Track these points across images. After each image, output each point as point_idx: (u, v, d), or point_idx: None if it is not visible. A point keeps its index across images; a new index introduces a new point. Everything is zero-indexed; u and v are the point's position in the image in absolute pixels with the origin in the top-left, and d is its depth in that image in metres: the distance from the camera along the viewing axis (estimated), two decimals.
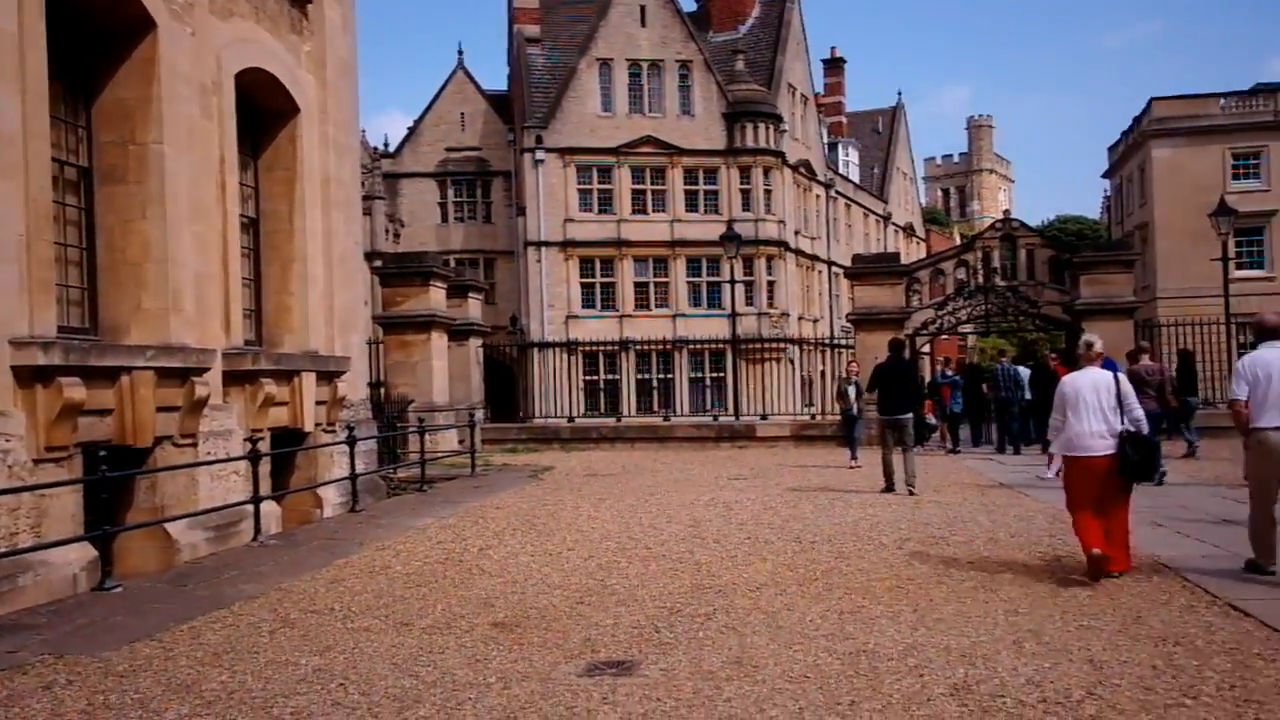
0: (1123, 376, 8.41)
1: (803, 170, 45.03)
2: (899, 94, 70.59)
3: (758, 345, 34.80)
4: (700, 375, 39.26)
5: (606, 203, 40.08)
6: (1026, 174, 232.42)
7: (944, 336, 28.58)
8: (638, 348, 35.83)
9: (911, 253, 57.03)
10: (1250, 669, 5.51)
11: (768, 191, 41.03)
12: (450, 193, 45.35)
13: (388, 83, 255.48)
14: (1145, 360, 15.78)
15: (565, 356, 29.70)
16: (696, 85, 40.77)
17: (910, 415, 14.33)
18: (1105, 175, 54.40)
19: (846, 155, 55.89)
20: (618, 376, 38.17)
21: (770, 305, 40.56)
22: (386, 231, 42.11)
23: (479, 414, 23.02)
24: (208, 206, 11.29)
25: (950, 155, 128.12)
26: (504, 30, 46.53)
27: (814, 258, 46.50)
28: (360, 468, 13.59)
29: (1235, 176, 41.84)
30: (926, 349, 29.05)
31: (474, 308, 25.14)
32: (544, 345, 30.54)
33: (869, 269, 25.52)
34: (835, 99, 57.91)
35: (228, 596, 8.11)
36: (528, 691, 5.47)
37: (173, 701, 5.48)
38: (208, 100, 11.35)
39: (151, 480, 10.31)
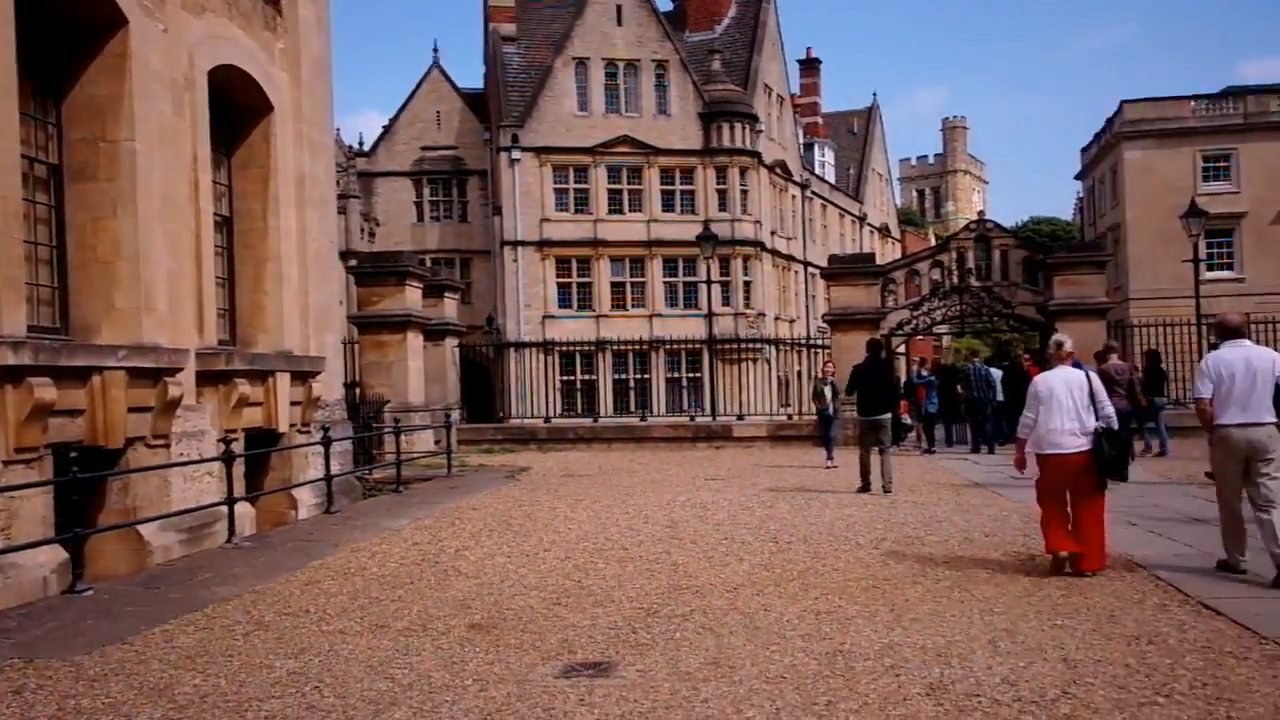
0: (1094, 375, 8.53)
1: (779, 170, 45.14)
2: (874, 95, 70.95)
3: (734, 345, 34.88)
4: (677, 375, 39.29)
5: (583, 202, 40.02)
6: (1001, 175, 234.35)
7: (919, 337, 28.72)
8: (614, 348, 35.81)
9: (887, 253, 57.27)
10: (1222, 667, 5.56)
11: (744, 192, 41.11)
12: (426, 192, 45.15)
13: (363, 81, 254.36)
14: (1115, 359, 15.98)
15: (542, 357, 29.63)
16: (673, 85, 40.78)
17: (889, 415, 14.41)
18: (1078, 177, 54.88)
19: (822, 156, 56.09)
20: (594, 377, 38.13)
21: (747, 305, 40.64)
22: (362, 231, 41.85)
23: (455, 414, 22.96)
24: (180, 205, 11.18)
25: (925, 156, 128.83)
26: (480, 28, 46.43)
27: (790, 258, 46.62)
28: (335, 469, 13.51)
29: (1205, 178, 42.31)
30: (902, 349, 29.17)
31: (450, 308, 25.05)
32: (520, 345, 30.45)
33: (845, 269, 25.63)
34: (811, 100, 58.11)
35: (201, 599, 8.04)
36: (504, 693, 5.45)
37: (145, 705, 5.42)
38: (180, 97, 11.24)
39: (123, 481, 10.19)
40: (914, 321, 25.31)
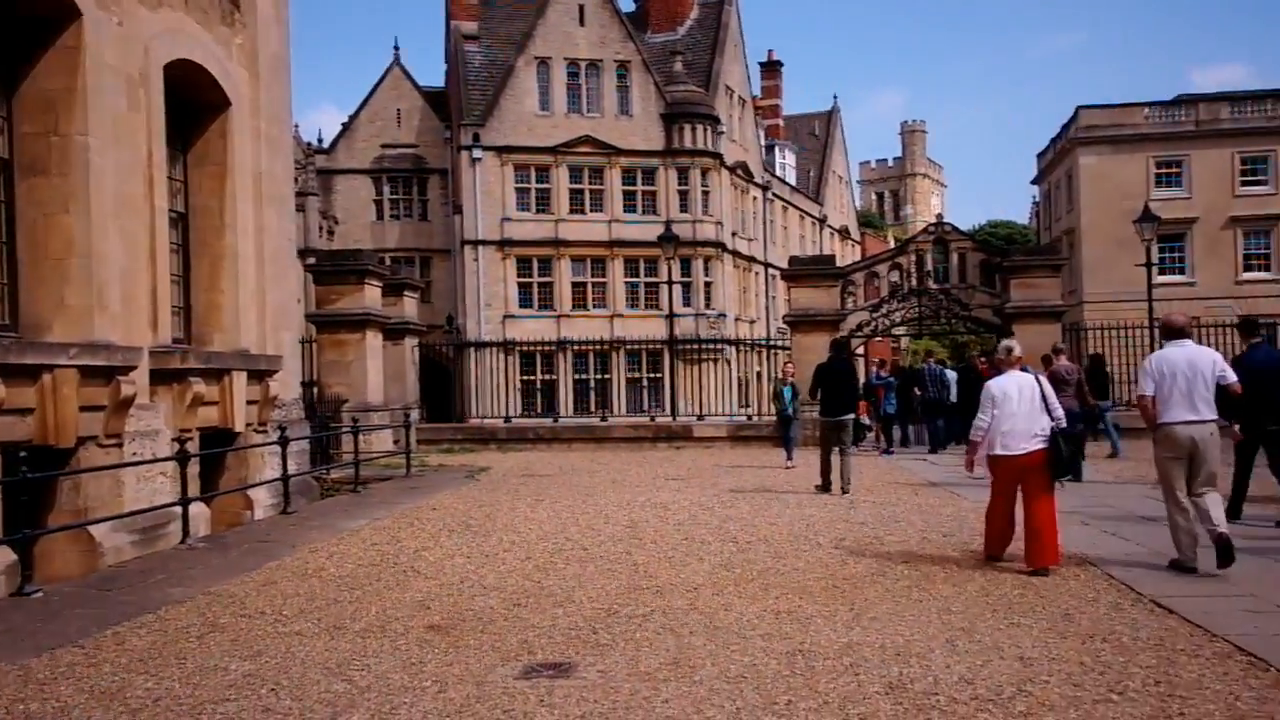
0: (1043, 379, 8.77)
1: (740, 172, 45.30)
2: (835, 98, 71.33)
3: (695, 346, 34.91)
4: (638, 376, 39.30)
5: (544, 202, 39.93)
6: (959, 179, 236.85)
7: (878, 338, 28.93)
8: (575, 348, 35.74)
9: (847, 255, 57.71)
10: (1174, 664, 5.65)
11: (705, 193, 41.20)
12: (386, 190, 44.81)
13: (322, 77, 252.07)
14: (1063, 360, 16.31)
15: (502, 356, 29.53)
16: (635, 86, 40.79)
17: (852, 416, 14.46)
18: (1034, 181, 55.56)
19: (783, 158, 56.35)
20: (555, 377, 38.05)
21: (708, 306, 40.74)
22: (320, 229, 41.47)
23: (414, 414, 22.80)
24: (134, 201, 11.01)
25: (885, 159, 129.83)
26: (441, 26, 46.14)
27: (751, 259, 46.80)
28: (293, 468, 13.37)
29: (1158, 184, 42.99)
30: (861, 351, 29.39)
31: (410, 306, 24.89)
32: (481, 345, 30.30)
33: (805, 271, 25.77)
34: (772, 102, 58.35)
35: (154, 601, 7.92)
36: (464, 695, 5.41)
37: (96, 709, 5.33)
38: (135, 92, 11.06)
39: (74, 481, 10.01)
40: (873, 323, 25.51)
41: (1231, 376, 8.22)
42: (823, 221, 59.14)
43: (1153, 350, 8.82)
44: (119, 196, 10.62)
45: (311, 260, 30.02)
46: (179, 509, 10.61)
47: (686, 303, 39.40)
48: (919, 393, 22.29)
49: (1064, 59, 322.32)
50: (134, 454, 10.63)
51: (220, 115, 13.12)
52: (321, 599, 7.85)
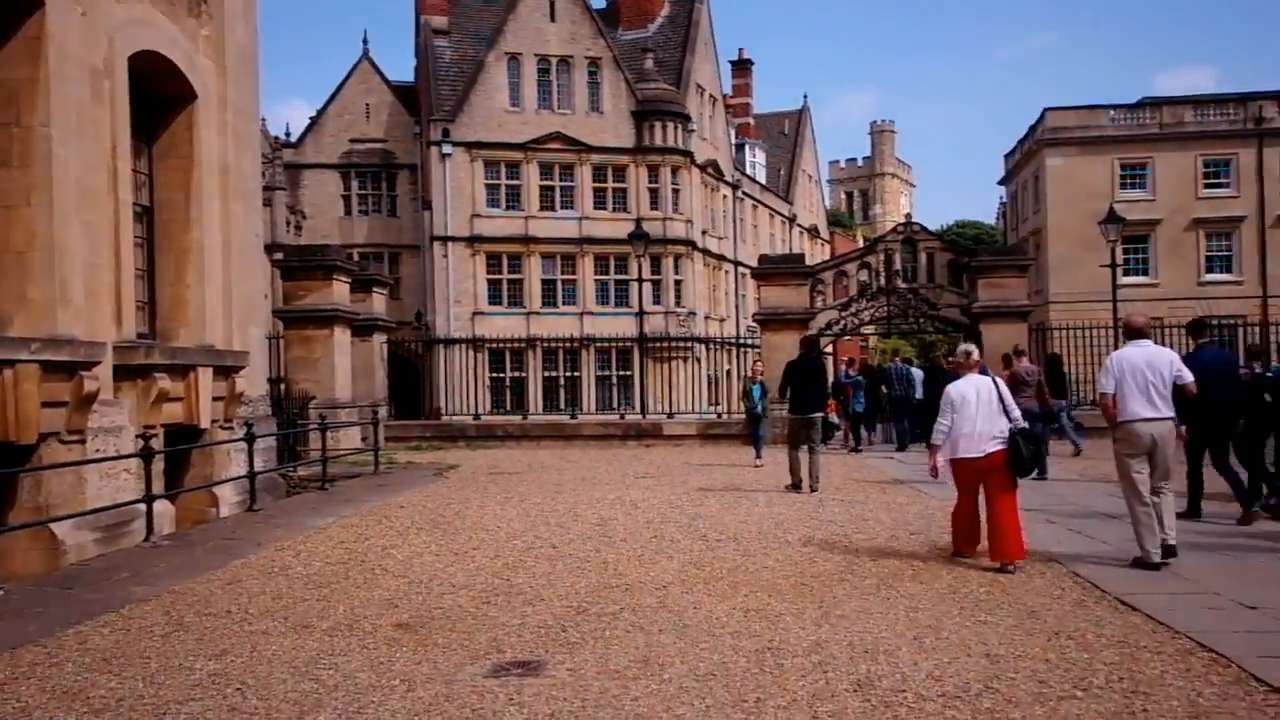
0: (1000, 381, 8.96)
1: (710, 170, 45.37)
2: (805, 97, 71.68)
3: (665, 344, 34.98)
4: (607, 373, 39.28)
5: (514, 199, 39.82)
6: (927, 179, 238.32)
7: (847, 337, 29.09)
8: (545, 345, 35.70)
9: (816, 254, 57.94)
10: (1137, 661, 5.71)
11: (676, 191, 41.24)
12: (354, 185, 44.47)
13: (290, 70, 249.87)
14: (1024, 362, 16.54)
15: (471, 353, 29.40)
16: (606, 83, 40.76)
17: (821, 414, 14.48)
18: (1001, 182, 56.05)
19: (753, 157, 56.48)
20: (524, 374, 37.97)
21: (677, 304, 40.79)
22: (288, 223, 41.13)
23: (383, 411, 22.67)
24: (98, 194, 10.86)
25: (854, 159, 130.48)
26: (411, 20, 45.86)
27: (721, 257, 46.89)
28: (259, 466, 13.26)
29: (1123, 186, 43.50)
30: (830, 349, 29.53)
31: (378, 303, 24.73)
32: (450, 342, 30.15)
33: (775, 270, 25.86)
34: (743, 100, 58.49)
35: (117, 599, 7.82)
36: (432, 694, 5.39)
37: (58, 710, 5.25)
38: (99, 83, 10.91)
39: (35, 478, 9.88)
40: (842, 322, 25.63)
41: (1188, 376, 8.46)
42: (792, 220, 59.37)
43: (1116, 349, 9.00)
44: (82, 189, 10.48)
45: (279, 255, 29.77)
46: (143, 506, 10.49)
47: (656, 300, 39.45)
48: (886, 391, 22.47)
49: (1032, 61, 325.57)
50: (97, 450, 10.50)
51: (186, 108, 12.98)
52: (288, 597, 7.79)
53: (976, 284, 24.41)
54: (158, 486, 10.98)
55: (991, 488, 8.53)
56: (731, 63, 58.21)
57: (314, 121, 45.16)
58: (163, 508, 11.25)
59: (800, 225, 60.87)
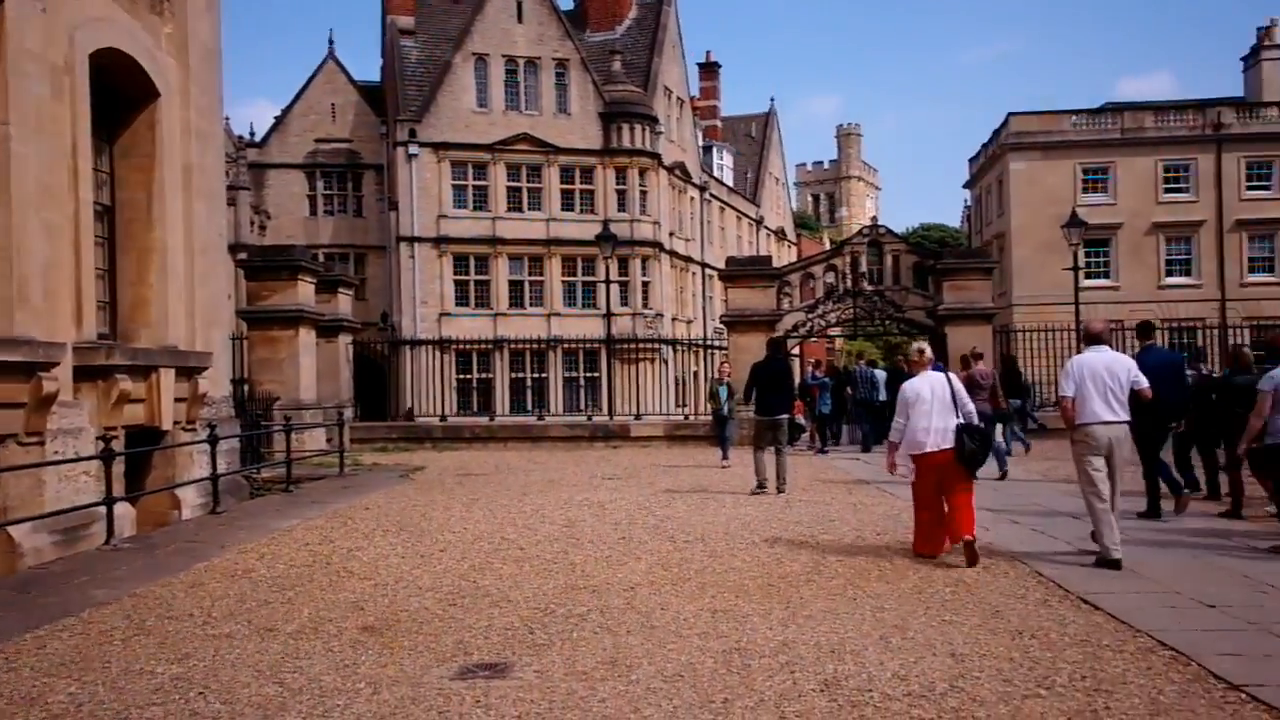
0: (954, 377, 9.28)
1: (678, 172, 45.44)
2: (772, 100, 71.77)
3: (632, 345, 34.98)
4: (575, 375, 39.23)
5: (481, 200, 39.68)
6: (893, 182, 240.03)
7: (814, 339, 29.23)
8: (512, 346, 35.62)
9: (783, 256, 58.19)
10: (1100, 660, 5.78)
11: (643, 192, 41.27)
12: (319, 185, 44.15)
13: (255, 69, 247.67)
14: (980, 365, 16.87)
15: (438, 354, 29.27)
16: (573, 84, 40.72)
17: (786, 416, 14.47)
18: (966, 185, 56.53)
19: (721, 159, 56.63)
20: (491, 375, 37.84)
21: (645, 306, 40.82)
22: (252, 223, 40.76)
23: (348, 412, 22.52)
24: (58, 193, 10.70)
25: (821, 162, 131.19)
26: (377, 20, 45.60)
27: (688, 259, 46.97)
28: (222, 467, 13.12)
29: (1085, 190, 44.00)
30: (797, 351, 29.66)
31: (344, 303, 24.56)
32: (416, 343, 30.00)
33: (742, 272, 25.95)
34: (710, 103, 58.62)
35: (77, 603, 7.71)
36: (398, 696, 5.35)
37: (16, 715, 5.17)
38: (59, 80, 10.75)
39: None
40: (809, 324, 25.76)
41: (1144, 382, 8.72)
42: (759, 222, 59.58)
43: (1079, 352, 9.24)
44: (41, 187, 10.32)
45: (243, 255, 29.47)
46: (103, 509, 10.35)
47: (624, 302, 39.46)
48: (851, 393, 22.62)
49: (997, 66, 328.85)
50: (56, 453, 10.33)
51: (149, 106, 12.82)
52: (252, 600, 7.71)
53: (941, 286, 24.61)
54: (118, 489, 10.85)
55: (948, 482, 8.81)
56: (699, 65, 58.40)
57: (279, 121, 44.79)
58: (123, 510, 11.10)
59: (767, 227, 61.11)
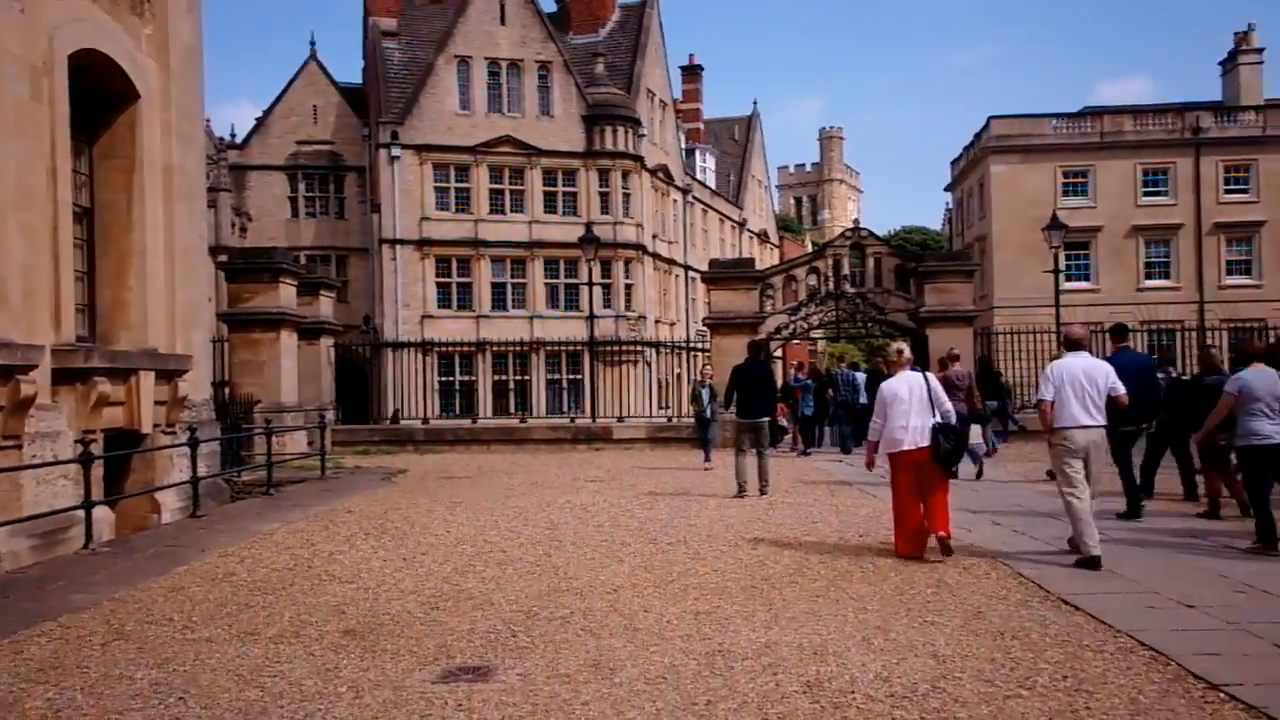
0: (932, 377, 9.48)
1: (661, 175, 45.48)
2: (754, 103, 71.99)
3: (615, 348, 34.99)
4: (557, 377, 39.20)
5: (464, 202, 39.60)
6: (875, 185, 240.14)
7: (796, 341, 29.29)
8: (494, 349, 35.50)
9: (766, 259, 58.30)
10: (1080, 660, 5.81)
11: (626, 195, 41.29)
12: (301, 187, 44.00)
13: (236, 71, 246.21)
14: (956, 367, 17.13)
15: (420, 357, 29.18)
16: (556, 86, 40.70)
17: (767, 419, 14.44)
18: (948, 188, 56.81)
19: (704, 162, 56.72)
20: (474, 378, 37.76)
21: (628, 308, 40.82)
22: (233, 225, 40.57)
23: (330, 415, 22.43)
24: (37, 194, 10.62)
25: (803, 164, 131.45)
26: (359, 22, 45.48)
27: (671, 262, 47.01)
28: (202, 470, 13.04)
29: (1065, 193, 44.30)
30: (779, 353, 29.72)
31: (326, 306, 24.47)
32: (398, 345, 29.90)
33: (725, 274, 25.97)
34: (693, 106, 58.69)
35: (55, 608, 7.64)
36: (380, 700, 5.33)
37: None
38: (38, 81, 10.67)
39: None
40: (791, 326, 25.81)
41: (1121, 388, 8.88)
42: (742, 225, 59.69)
43: (1061, 355, 9.35)
44: (20, 189, 10.24)
45: (223, 258, 29.33)
46: (82, 513, 10.26)
47: (607, 304, 39.46)
48: (832, 395, 22.70)
49: (978, 69, 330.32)
50: (34, 456, 10.25)
51: (129, 108, 12.74)
52: (232, 604, 7.67)
53: (923, 289, 24.71)
54: (97, 492, 10.77)
55: (928, 479, 9.01)
56: (682, 68, 58.48)
57: (260, 123, 44.64)
58: (102, 514, 11.02)
59: (750, 230, 61.23)
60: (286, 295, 21.53)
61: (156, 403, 12.95)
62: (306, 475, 17.43)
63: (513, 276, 40.05)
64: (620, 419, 26.28)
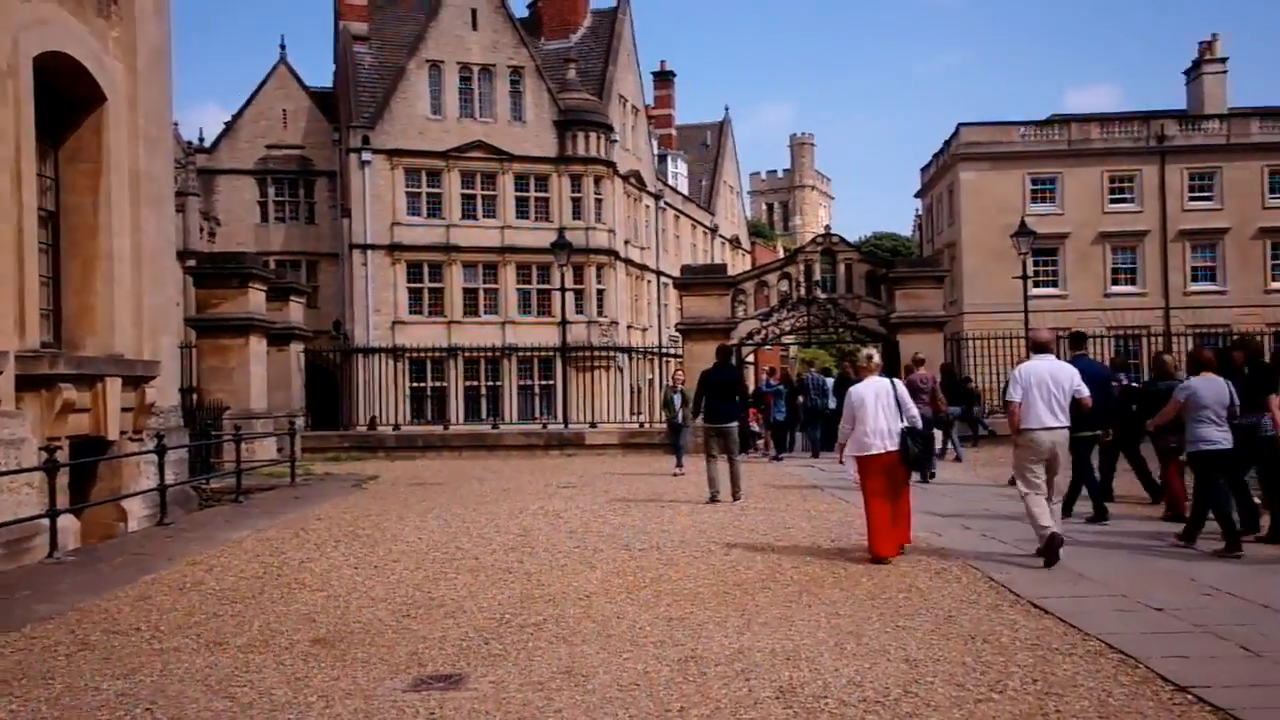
0: (899, 383, 9.74)
1: (633, 180, 45.50)
2: (726, 109, 72.35)
3: (587, 353, 34.95)
4: (529, 383, 39.11)
5: (436, 207, 39.45)
6: (845, 191, 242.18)
7: (768, 347, 29.37)
8: (466, 354, 35.41)
9: (737, 264, 58.42)
10: (1050, 663, 5.85)
11: (598, 200, 41.28)
12: (271, 191, 43.67)
13: (204, 74, 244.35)
14: (920, 371, 17.38)
15: (391, 363, 29.02)
16: (528, 92, 40.66)
17: (736, 423, 14.43)
18: (918, 195, 57.21)
19: (675, 167, 56.82)
20: (445, 384, 37.59)
21: (600, 314, 40.79)
22: (201, 230, 40.20)
23: (300, 421, 22.26)
24: (0, 198, 10.48)
25: (774, 171, 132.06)
26: (330, 25, 45.25)
27: (643, 267, 47.04)
28: (170, 478, 12.91)
29: (1034, 200, 44.68)
30: (751, 358, 29.80)
31: (295, 311, 24.30)
32: (369, 351, 29.75)
33: (697, 280, 26.00)
34: (665, 112, 58.79)
35: (18, 618, 7.53)
36: (351, 710, 5.28)
37: None
38: (3, 84, 10.54)
39: None
40: (763, 331, 25.88)
41: (1085, 391, 9.14)
42: (714, 231, 59.83)
43: (1025, 359, 9.56)
44: None
45: (192, 263, 29.09)
46: (46, 521, 10.12)
47: (579, 310, 39.38)
48: (802, 400, 22.77)
49: (948, 77, 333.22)
50: None
51: (95, 110, 12.62)
52: (200, 613, 7.58)
53: (894, 295, 24.85)
54: (62, 500, 10.62)
55: (892, 483, 9.28)
56: (654, 74, 58.56)
57: (229, 126, 44.28)
58: (67, 522, 10.87)
59: (722, 236, 61.37)
60: (256, 301, 21.35)
61: (123, 409, 12.81)
62: (276, 482, 17.28)
63: (485, 282, 39.92)
64: (592, 424, 26.24)
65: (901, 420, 9.28)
